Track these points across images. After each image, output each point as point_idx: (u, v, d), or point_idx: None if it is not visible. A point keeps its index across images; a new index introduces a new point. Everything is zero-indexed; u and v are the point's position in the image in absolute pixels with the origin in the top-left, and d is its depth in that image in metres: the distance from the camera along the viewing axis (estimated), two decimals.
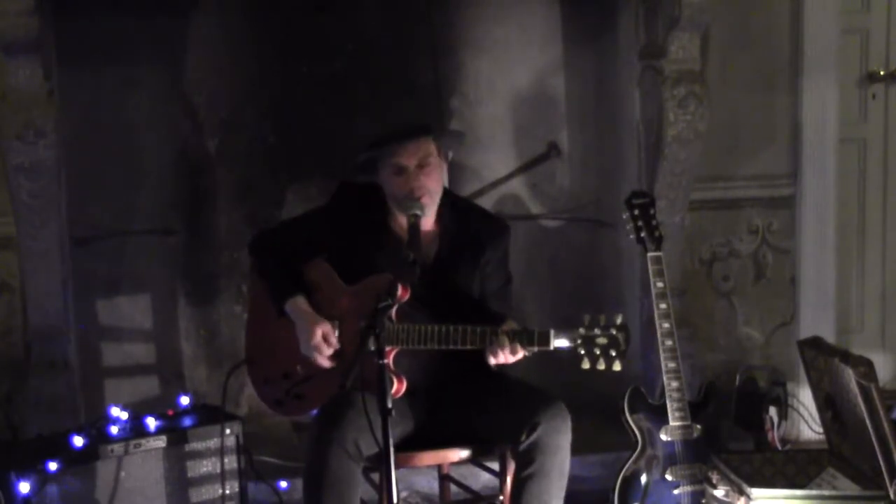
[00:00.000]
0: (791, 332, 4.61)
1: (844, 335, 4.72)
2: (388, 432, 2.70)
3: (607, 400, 3.80)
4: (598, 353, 2.98)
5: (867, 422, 3.25)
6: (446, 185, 3.39)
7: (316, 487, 3.08)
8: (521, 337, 3.05)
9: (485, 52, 4.59)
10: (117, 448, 3.38)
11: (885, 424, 3.20)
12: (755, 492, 3.37)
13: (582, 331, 3.00)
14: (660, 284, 3.64)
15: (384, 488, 3.02)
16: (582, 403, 3.57)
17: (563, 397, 3.24)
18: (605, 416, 4.00)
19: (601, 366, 2.99)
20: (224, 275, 4.53)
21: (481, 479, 3.71)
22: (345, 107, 4.43)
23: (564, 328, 3.02)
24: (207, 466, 3.52)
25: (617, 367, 2.99)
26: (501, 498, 3.34)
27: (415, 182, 3.19)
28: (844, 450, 3.58)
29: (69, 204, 4.14)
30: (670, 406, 3.62)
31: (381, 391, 2.70)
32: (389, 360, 3.08)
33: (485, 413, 3.24)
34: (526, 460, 3.14)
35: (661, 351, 3.63)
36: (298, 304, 3.27)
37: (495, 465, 3.39)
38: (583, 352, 2.99)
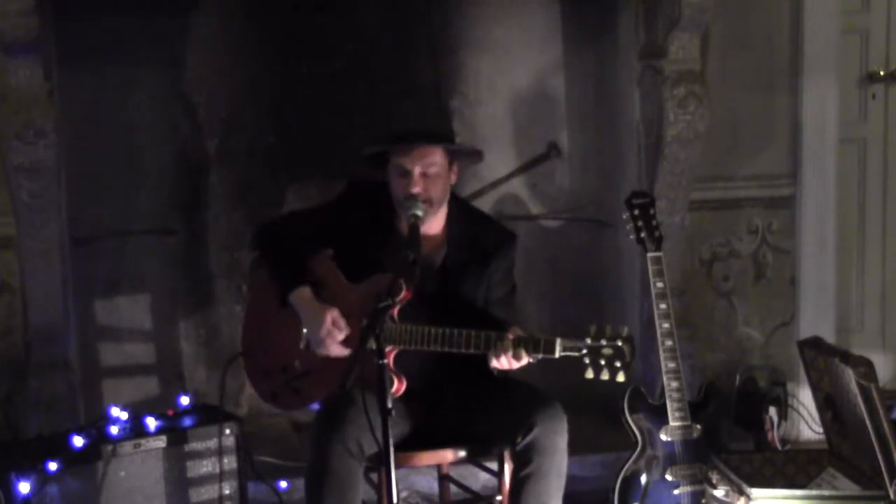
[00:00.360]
0: (791, 332, 4.61)
1: (844, 335, 4.72)
2: (388, 432, 2.70)
3: (607, 400, 3.80)
4: (602, 363, 2.98)
5: (867, 422, 3.25)
6: (454, 193, 3.38)
7: (318, 486, 3.08)
8: (527, 343, 3.05)
9: (485, 52, 4.59)
10: (117, 448, 3.37)
11: (885, 424, 3.21)
12: (755, 492, 3.37)
13: (588, 341, 2.99)
14: (660, 284, 3.64)
15: (384, 488, 3.02)
16: (582, 403, 3.58)
17: (563, 397, 3.24)
18: (605, 416, 4.00)
19: (605, 376, 2.98)
20: (224, 275, 4.53)
21: (481, 479, 3.71)
22: (345, 107, 4.43)
23: (570, 337, 3.02)
24: (207, 466, 3.52)
25: (621, 378, 2.99)
26: (500, 498, 3.34)
27: (415, 188, 3.19)
28: (844, 450, 3.58)
29: (69, 204, 4.14)
30: (670, 406, 3.62)
31: (381, 391, 2.70)
32: (390, 360, 3.09)
33: (482, 414, 3.24)
34: (523, 461, 3.15)
35: (661, 351, 3.63)
36: (304, 294, 3.27)
37: (494, 465, 3.39)
38: (587, 361, 2.99)
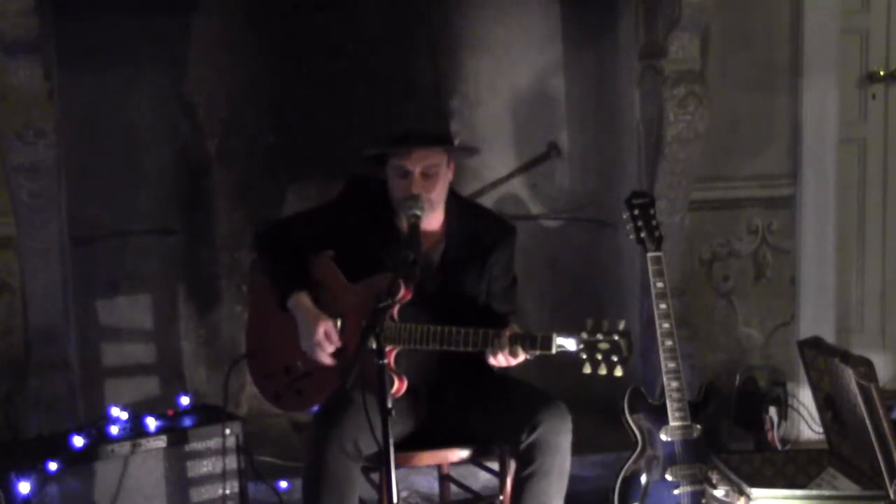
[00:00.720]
0: (791, 332, 4.61)
1: (844, 335, 4.72)
2: (388, 432, 2.70)
3: (607, 400, 3.80)
4: (599, 358, 2.98)
5: (867, 422, 3.26)
6: (452, 187, 3.39)
7: (314, 486, 3.08)
8: (523, 340, 3.05)
9: (485, 52, 4.59)
10: (117, 448, 3.37)
11: (885, 424, 3.21)
12: (755, 492, 3.37)
13: (584, 335, 2.99)
14: (660, 284, 3.64)
15: (384, 488, 3.02)
16: (582, 403, 3.57)
17: (563, 397, 3.24)
18: (605, 416, 4.00)
19: (602, 371, 2.98)
20: (224, 275, 4.53)
21: (481, 479, 3.71)
22: (345, 107, 4.43)
23: (567, 332, 3.02)
24: (207, 466, 3.52)
25: (618, 372, 2.98)
26: (501, 498, 3.34)
27: (414, 188, 3.19)
28: (844, 450, 3.58)
29: (69, 204, 4.14)
30: (670, 406, 3.62)
31: (381, 391, 2.70)
32: (390, 360, 3.09)
33: (485, 413, 3.24)
34: (526, 460, 3.14)
35: (660, 351, 3.63)
36: (301, 300, 3.27)
37: (495, 465, 3.39)
38: (585, 356, 2.99)
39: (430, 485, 3.94)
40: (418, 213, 3.16)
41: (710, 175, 4.48)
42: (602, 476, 3.91)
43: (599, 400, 4.00)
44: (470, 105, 4.61)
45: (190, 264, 4.52)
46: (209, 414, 3.63)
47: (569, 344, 3.00)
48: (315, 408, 3.26)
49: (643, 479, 3.65)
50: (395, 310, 3.08)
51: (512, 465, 3.24)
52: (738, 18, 4.46)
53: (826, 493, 3.47)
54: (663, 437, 3.63)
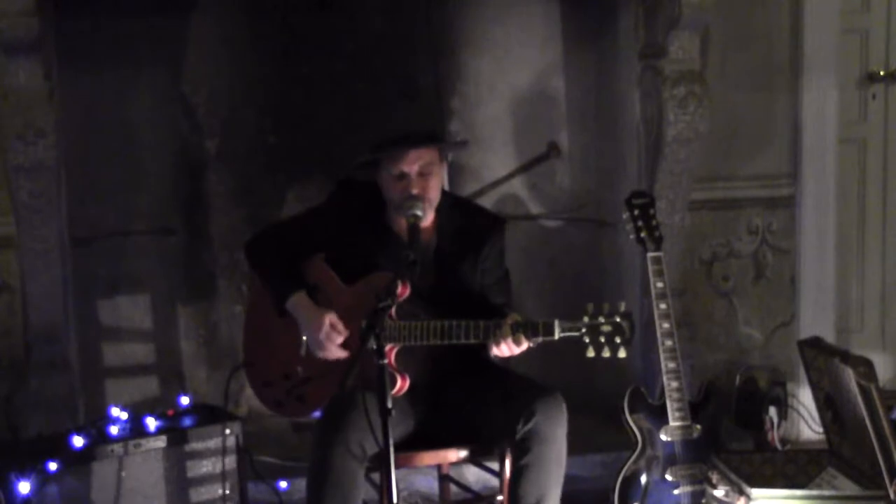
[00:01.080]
0: (791, 332, 4.60)
1: (844, 335, 4.72)
2: (389, 432, 2.70)
3: (607, 400, 3.81)
4: (602, 340, 2.99)
5: (867, 422, 3.26)
6: (445, 186, 3.39)
7: (319, 488, 3.09)
8: (525, 328, 3.05)
9: (485, 52, 4.59)
10: (117, 448, 3.37)
11: (885, 424, 3.21)
12: (755, 492, 3.37)
13: (586, 319, 3.00)
14: (660, 284, 3.64)
15: (384, 488, 3.02)
16: (582, 403, 3.58)
17: (563, 396, 3.24)
18: (605, 415, 4.01)
19: (606, 353, 2.99)
20: (224, 275, 4.53)
21: (481, 479, 3.71)
22: (345, 107, 4.43)
23: (568, 318, 3.02)
24: (207, 467, 3.52)
25: (622, 353, 2.99)
26: (501, 497, 3.34)
27: (414, 189, 3.19)
28: (844, 450, 3.58)
29: (69, 204, 4.14)
30: (670, 406, 3.62)
31: (382, 391, 2.70)
32: (391, 359, 3.09)
33: (483, 406, 3.24)
34: (522, 449, 3.15)
35: (660, 351, 3.63)
36: (300, 301, 3.27)
37: (495, 465, 3.39)
38: (587, 340, 3.00)
39: (430, 485, 3.94)
40: (419, 213, 3.17)
41: (710, 175, 4.48)
42: (602, 476, 3.91)
43: (599, 399, 4.00)
44: (470, 105, 4.61)
45: (190, 264, 4.52)
46: (209, 414, 3.63)
47: (571, 329, 3.00)
48: (315, 413, 3.26)
49: (643, 479, 3.65)
50: (394, 308, 3.08)
51: (510, 461, 3.23)
52: (738, 18, 4.46)
53: (826, 493, 3.47)
54: (663, 437, 3.63)
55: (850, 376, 3.28)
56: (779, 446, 4.31)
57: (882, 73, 4.74)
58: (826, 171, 4.58)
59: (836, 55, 4.55)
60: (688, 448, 3.63)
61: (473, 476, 3.71)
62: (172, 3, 4.30)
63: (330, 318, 3.21)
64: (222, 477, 3.52)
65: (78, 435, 3.38)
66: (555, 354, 3.29)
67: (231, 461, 3.53)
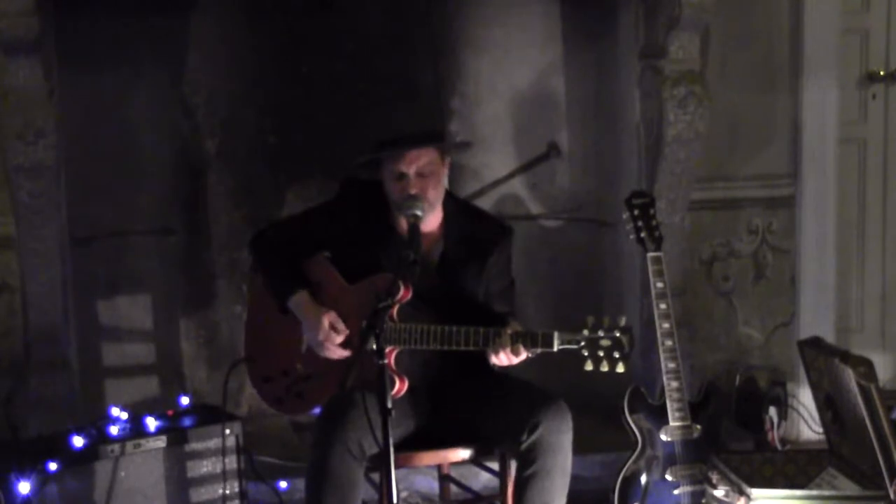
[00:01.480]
0: (791, 332, 4.60)
1: (844, 335, 4.72)
2: (389, 432, 2.70)
3: (607, 400, 3.80)
4: (601, 355, 2.99)
5: (867, 422, 3.26)
6: (447, 187, 3.39)
7: (318, 487, 3.08)
8: (525, 338, 3.05)
9: (485, 52, 4.59)
10: (117, 448, 3.37)
11: (885, 424, 3.21)
12: (755, 492, 3.37)
13: (586, 333, 3.00)
14: (660, 284, 3.64)
15: (384, 488, 3.02)
16: (582, 403, 3.57)
17: (563, 397, 3.23)
18: (605, 416, 4.00)
19: (604, 368, 2.99)
20: (224, 275, 4.53)
21: (481, 479, 3.71)
22: (345, 107, 4.43)
23: (568, 330, 3.02)
24: (207, 466, 3.52)
25: (620, 368, 2.99)
26: (501, 498, 3.34)
27: (412, 189, 3.19)
28: (844, 450, 3.58)
29: (69, 204, 4.14)
30: (670, 406, 3.62)
31: (382, 391, 2.70)
32: (391, 360, 3.09)
33: (486, 412, 3.24)
34: (527, 460, 3.14)
35: (660, 351, 3.63)
36: (302, 299, 3.27)
37: (496, 466, 3.39)
38: (586, 353, 3.00)
39: (430, 485, 3.94)
40: (418, 213, 3.16)
41: (710, 175, 4.48)
42: (602, 476, 3.91)
43: (599, 400, 4.00)
44: (470, 105, 4.61)
45: (189, 264, 4.52)
46: (209, 414, 3.63)
47: (570, 342, 3.00)
48: (315, 410, 3.26)
49: (643, 479, 3.65)
50: (395, 310, 3.08)
51: (513, 465, 3.23)
52: (738, 18, 4.46)
53: (826, 493, 3.47)
54: (663, 437, 3.63)
55: (850, 376, 3.28)
56: (779, 446, 4.31)
57: (882, 73, 4.74)
58: (826, 171, 4.58)
59: (836, 55, 4.55)
60: (688, 448, 3.63)
61: (473, 476, 3.70)
62: (172, 3, 4.30)
63: (329, 318, 3.21)
64: (222, 477, 3.52)
65: (78, 435, 3.38)
66: (555, 356, 3.28)
67: (231, 461, 3.53)
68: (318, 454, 3.09)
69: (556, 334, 3.02)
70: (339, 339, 3.20)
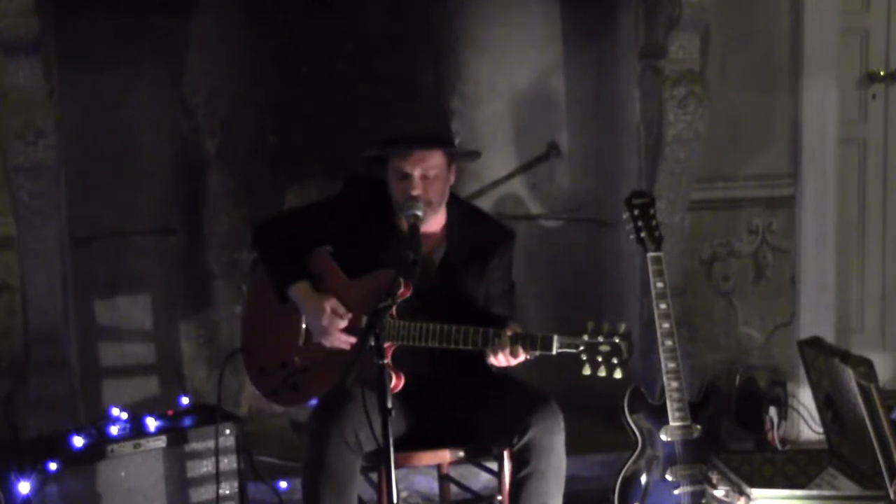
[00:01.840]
0: (791, 332, 4.60)
1: (844, 335, 4.72)
2: (389, 432, 2.70)
3: (607, 400, 3.80)
4: (600, 360, 3.00)
5: (867, 422, 3.26)
6: (453, 190, 3.38)
7: (315, 479, 3.09)
8: (524, 340, 3.06)
9: (485, 52, 4.59)
10: (117, 448, 3.37)
11: (885, 424, 3.21)
12: (755, 492, 3.37)
13: (585, 337, 3.01)
14: (660, 284, 3.64)
15: (384, 488, 3.02)
16: (582, 403, 3.58)
17: (562, 397, 3.24)
18: (605, 416, 4.01)
19: (602, 373, 3.00)
20: (224, 275, 4.53)
21: (481, 479, 3.71)
22: (345, 107, 4.43)
23: (567, 334, 3.03)
24: (207, 466, 3.52)
25: (618, 374, 3.00)
26: (500, 498, 3.34)
27: (414, 190, 3.19)
28: (844, 450, 3.58)
29: (69, 204, 4.14)
30: (670, 406, 3.62)
31: (381, 391, 2.70)
32: (388, 356, 3.09)
33: (480, 412, 3.24)
34: (521, 461, 3.15)
35: (661, 351, 3.63)
36: (302, 289, 3.27)
37: (495, 466, 3.39)
38: (585, 358, 3.01)
39: (430, 485, 3.94)
40: (418, 213, 3.16)
41: (710, 175, 4.48)
42: (602, 476, 3.91)
43: (599, 400, 4.00)
44: (470, 105, 4.61)
45: (190, 264, 4.52)
46: (209, 414, 3.62)
47: (569, 345, 3.01)
48: (311, 402, 3.26)
49: (643, 479, 3.65)
50: (394, 307, 3.08)
51: (509, 466, 3.24)
52: (738, 18, 4.46)
53: (826, 493, 3.47)
54: (663, 437, 3.63)
55: (850, 376, 3.28)
56: (779, 446, 4.31)
57: (882, 73, 4.74)
58: (826, 171, 4.58)
59: (836, 55, 4.55)
60: (688, 448, 3.63)
61: (473, 476, 3.70)
62: (172, 3, 4.30)
63: (330, 303, 3.21)
64: (222, 477, 3.52)
65: (78, 435, 3.38)
66: (554, 359, 3.28)
67: (231, 461, 3.53)
68: (314, 447, 3.09)
69: (555, 338, 3.02)
70: (343, 323, 3.20)
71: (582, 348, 3.00)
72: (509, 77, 4.62)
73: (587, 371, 3.01)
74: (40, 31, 3.79)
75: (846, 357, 3.33)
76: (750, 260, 4.62)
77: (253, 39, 4.45)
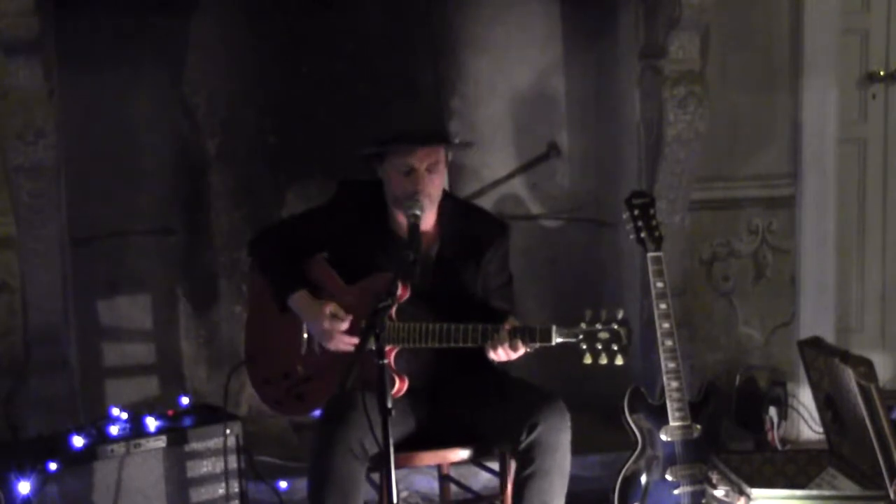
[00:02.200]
0: (791, 332, 4.60)
1: (844, 335, 4.72)
2: (389, 432, 2.70)
3: (607, 400, 3.80)
4: (599, 347, 3.00)
5: (867, 422, 3.26)
6: (446, 187, 3.39)
7: (320, 488, 3.09)
8: (523, 333, 3.06)
9: (485, 52, 4.59)
10: (117, 448, 3.37)
11: (885, 424, 3.21)
12: (755, 492, 3.37)
13: (583, 326, 3.01)
14: (660, 284, 3.64)
15: (384, 488, 3.02)
16: (582, 403, 3.57)
17: (563, 397, 3.23)
18: (605, 416, 4.00)
19: (603, 360, 3.00)
20: (224, 275, 4.53)
21: (481, 479, 3.71)
22: (345, 107, 4.43)
23: (566, 324, 3.03)
24: (207, 466, 3.52)
25: (619, 360, 3.00)
26: (501, 498, 3.34)
27: (420, 185, 3.19)
28: (844, 450, 3.58)
29: (69, 204, 4.14)
30: (670, 406, 3.62)
31: (382, 391, 2.70)
32: (390, 360, 3.09)
33: (485, 412, 3.24)
34: (526, 459, 3.14)
35: (660, 351, 3.63)
36: (301, 297, 3.28)
37: (495, 465, 3.39)
38: (584, 347, 3.01)
39: (430, 485, 3.94)
40: (418, 212, 3.16)
41: (710, 175, 4.48)
42: (602, 476, 3.91)
43: (599, 400, 4.00)
44: (470, 105, 4.61)
45: (190, 264, 4.52)
46: (209, 414, 3.63)
47: (568, 335, 3.01)
48: (315, 412, 3.26)
49: (643, 479, 3.65)
50: (394, 309, 3.08)
51: (512, 465, 3.24)
52: (738, 18, 4.46)
53: (826, 493, 3.47)
54: (663, 437, 3.63)
55: (850, 376, 3.28)
56: (779, 446, 4.32)
57: (882, 73, 4.74)
58: (826, 171, 4.58)
59: (836, 55, 4.55)
60: (688, 448, 3.63)
61: (473, 476, 3.70)
62: (172, 3, 4.30)
63: (329, 307, 3.21)
64: (222, 477, 3.52)
65: (78, 435, 3.38)
66: (554, 353, 3.29)
67: (231, 461, 3.53)
68: (320, 455, 3.09)
69: (554, 329, 3.03)
70: (344, 325, 3.20)
71: (581, 337, 3.01)
72: (509, 77, 4.62)
73: (588, 360, 3.01)
74: (40, 31, 3.79)
75: (846, 357, 3.33)
76: (750, 260, 4.62)
77: (253, 39, 4.45)
